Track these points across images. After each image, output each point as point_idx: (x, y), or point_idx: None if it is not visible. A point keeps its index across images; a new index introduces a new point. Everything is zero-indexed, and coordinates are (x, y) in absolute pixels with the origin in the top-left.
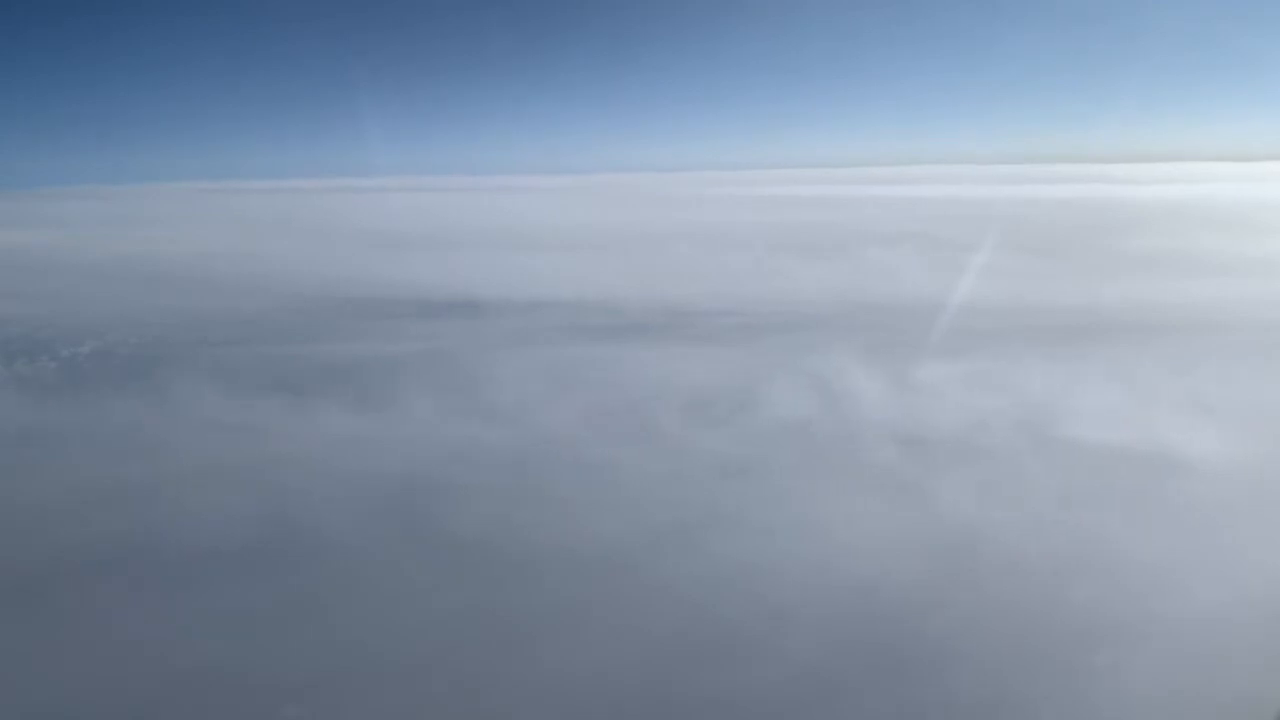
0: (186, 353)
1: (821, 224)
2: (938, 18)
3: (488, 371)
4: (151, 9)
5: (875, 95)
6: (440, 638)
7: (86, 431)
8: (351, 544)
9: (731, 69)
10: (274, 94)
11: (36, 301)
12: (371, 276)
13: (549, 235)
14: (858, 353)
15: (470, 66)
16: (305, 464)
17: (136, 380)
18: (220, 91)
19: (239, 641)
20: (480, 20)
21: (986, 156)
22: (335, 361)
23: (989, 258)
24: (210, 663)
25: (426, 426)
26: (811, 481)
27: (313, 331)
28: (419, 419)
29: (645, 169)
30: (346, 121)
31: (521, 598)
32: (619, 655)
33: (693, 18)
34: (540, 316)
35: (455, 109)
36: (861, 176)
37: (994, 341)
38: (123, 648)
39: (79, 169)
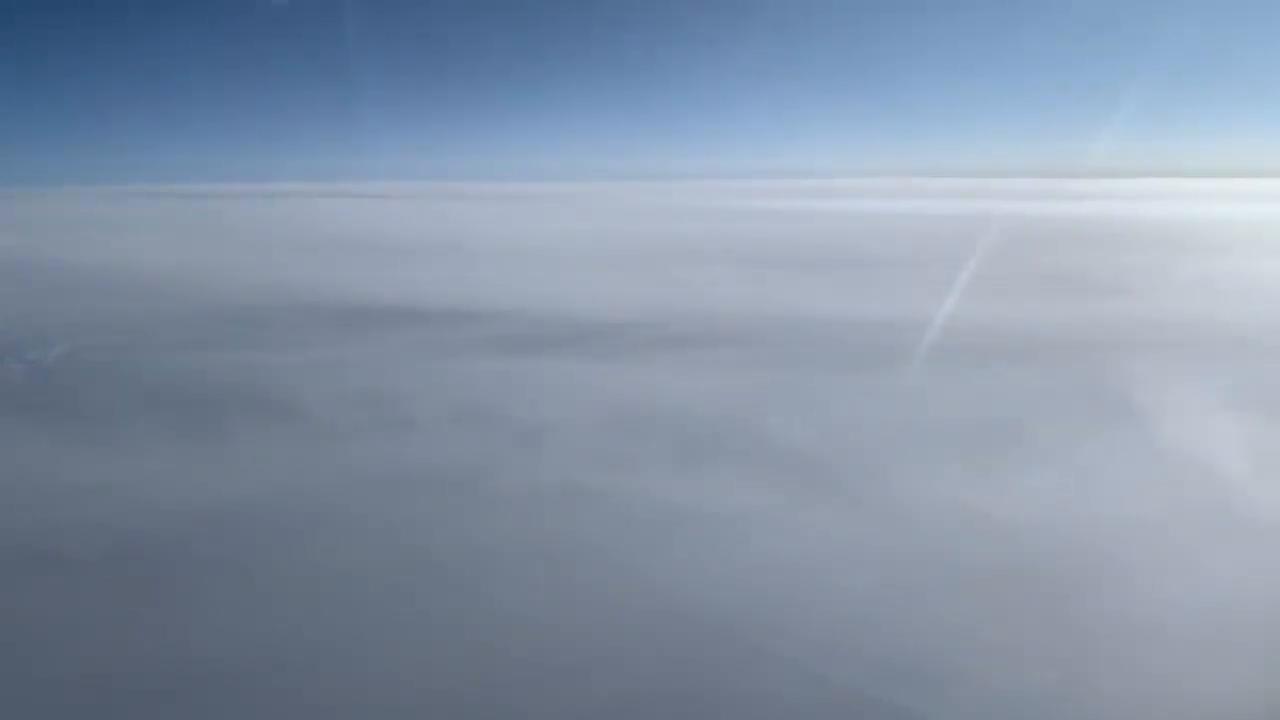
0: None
1: (775, 238)
2: (941, 23)
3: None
4: (122, 6)
5: (872, 103)
6: None
7: None
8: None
9: (724, 77)
10: (256, 95)
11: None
12: (310, 283)
13: (500, 244)
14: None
15: (464, 72)
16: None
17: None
18: (194, 93)
19: None
20: (473, 25)
21: (983, 169)
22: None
23: (908, 275)
24: None
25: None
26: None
27: (244, 340)
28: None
29: (637, 177)
30: (337, 125)
31: None
32: None
33: (683, 25)
34: (454, 328)
35: (451, 112)
36: (852, 188)
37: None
38: None
39: (45, 170)
